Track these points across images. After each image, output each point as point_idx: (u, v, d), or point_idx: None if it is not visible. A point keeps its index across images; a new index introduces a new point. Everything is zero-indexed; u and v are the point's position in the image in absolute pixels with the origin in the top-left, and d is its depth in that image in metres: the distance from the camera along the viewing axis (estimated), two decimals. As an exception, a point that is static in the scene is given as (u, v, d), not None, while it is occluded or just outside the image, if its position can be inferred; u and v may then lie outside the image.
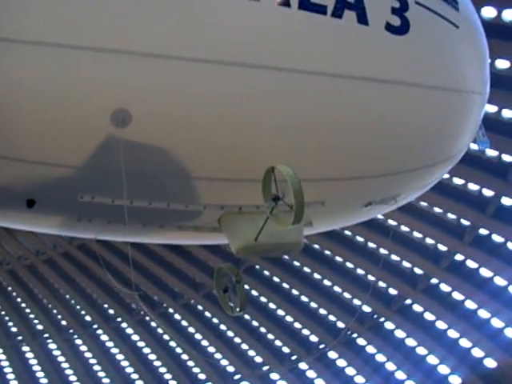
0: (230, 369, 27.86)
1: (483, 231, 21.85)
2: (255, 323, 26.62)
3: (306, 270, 25.06)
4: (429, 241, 22.70)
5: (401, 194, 7.29)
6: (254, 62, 5.63)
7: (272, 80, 5.73)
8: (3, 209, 6.19)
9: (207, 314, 27.17)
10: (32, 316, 30.35)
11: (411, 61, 6.49)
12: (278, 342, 26.71)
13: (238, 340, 27.19)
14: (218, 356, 27.98)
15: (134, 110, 5.38)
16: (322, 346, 26.00)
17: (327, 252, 24.17)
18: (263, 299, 26.21)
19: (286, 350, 26.71)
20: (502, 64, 18.31)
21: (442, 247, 22.60)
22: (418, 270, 23.36)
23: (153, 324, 28.68)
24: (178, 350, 28.52)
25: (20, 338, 30.50)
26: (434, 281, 23.26)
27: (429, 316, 23.88)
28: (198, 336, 28.15)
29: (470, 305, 23.21)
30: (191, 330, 28.19)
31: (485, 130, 7.93)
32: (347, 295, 24.86)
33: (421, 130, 6.74)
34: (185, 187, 6.13)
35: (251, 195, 5.85)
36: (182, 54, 5.41)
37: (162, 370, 28.93)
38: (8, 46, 5.10)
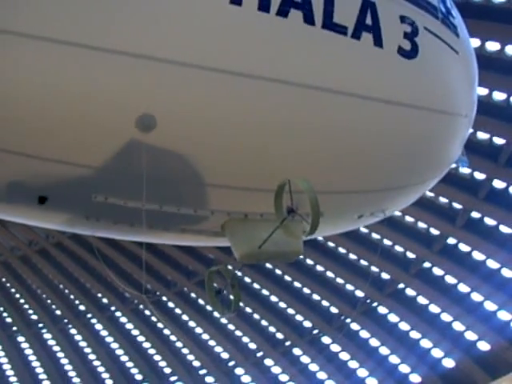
0: (224, 355, 27.92)
1: (475, 214, 21.88)
2: (248, 309, 26.65)
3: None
4: (421, 225, 22.73)
5: (390, 208, 7.60)
6: (274, 76, 5.82)
7: (289, 95, 5.93)
8: (13, 203, 6.19)
9: (200, 301, 27.17)
10: (26, 306, 30.35)
11: (417, 84, 6.78)
12: (271, 329, 26.77)
13: (231, 327, 27.23)
14: (211, 343, 28.03)
15: (160, 116, 5.48)
16: (315, 332, 26.09)
17: (319, 238, 24.18)
18: (256, 286, 26.23)
19: (279, 335, 26.77)
20: (492, 46, 18.28)
21: (434, 231, 22.63)
22: (410, 254, 23.39)
23: (146, 312, 28.70)
24: (173, 338, 28.56)
25: (15, 328, 30.49)
26: (427, 265, 23.30)
27: (422, 300, 23.94)
28: (191, 323, 28.18)
29: (462, 288, 23.27)
30: (185, 317, 28.22)
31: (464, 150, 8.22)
32: (340, 280, 24.90)
33: (417, 151, 7.05)
34: (197, 193, 6.31)
35: (258, 203, 6.32)
36: (209, 64, 5.56)
37: (157, 357, 28.98)
38: (36, 44, 5.12)
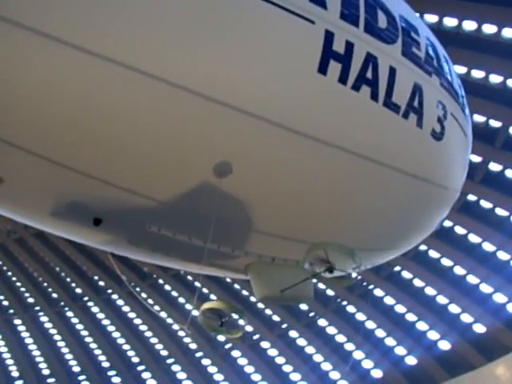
0: (221, 338, 27.99)
1: (471, 197, 21.88)
2: (245, 292, 26.70)
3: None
4: (417, 207, 22.69)
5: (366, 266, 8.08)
6: (341, 144, 6.33)
7: (351, 164, 6.50)
8: (67, 220, 6.40)
9: (197, 284, 27.20)
10: (23, 289, 30.33)
11: (439, 164, 7.55)
12: (268, 311, 26.83)
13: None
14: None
15: (237, 164, 5.89)
16: (311, 314, 26.17)
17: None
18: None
19: (276, 318, 26.83)
20: (489, 29, 18.21)
21: (430, 214, 22.60)
22: (406, 237, 23.36)
23: (143, 295, 28.72)
24: (169, 321, 28.61)
25: (11, 311, 30.52)
26: (423, 247, 23.30)
27: (418, 282, 24.00)
28: (188, 306, 28.22)
29: (458, 271, 23.34)
30: (181, 300, 28.27)
31: None
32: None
33: (418, 220, 7.94)
34: (241, 236, 6.77)
35: (288, 250, 6.94)
36: (290, 125, 5.96)
37: (153, 340, 29.04)
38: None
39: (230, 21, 5.65)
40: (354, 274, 6.98)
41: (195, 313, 7.13)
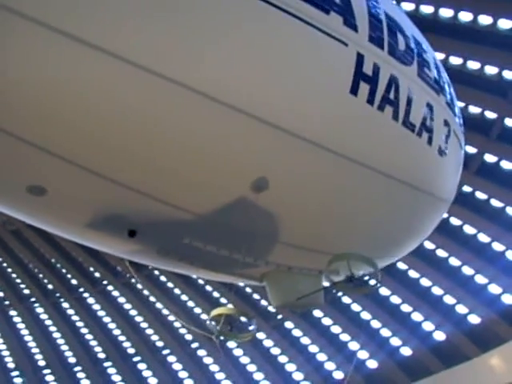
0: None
1: (467, 188, 21.90)
2: (240, 283, 26.70)
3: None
4: (413, 198, 22.70)
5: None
6: (367, 162, 6.67)
7: (376, 181, 6.84)
8: (101, 232, 6.55)
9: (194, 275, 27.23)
10: (18, 281, 30.33)
11: (440, 178, 8.00)
12: (263, 302, 26.85)
13: (223, 301, 27.32)
14: (204, 317, 28.13)
15: (273, 180, 6.09)
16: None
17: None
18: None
19: (271, 309, 26.86)
20: (485, 20, 18.19)
21: (425, 205, 22.61)
22: (401, 228, 23.38)
23: (139, 286, 28.75)
24: (165, 312, 28.65)
25: (7, 302, 30.51)
26: (418, 238, 23.34)
27: (413, 273, 24.02)
28: (184, 297, 28.27)
29: (453, 262, 23.36)
30: (177, 291, 28.30)
31: None
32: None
33: (417, 231, 8.46)
34: (267, 247, 7.03)
35: (307, 260, 7.29)
36: (324, 143, 6.22)
37: (149, 331, 29.08)
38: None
39: (273, 43, 5.80)
40: (372, 282, 7.36)
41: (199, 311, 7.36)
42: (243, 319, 7.15)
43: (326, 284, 7.72)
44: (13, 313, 30.57)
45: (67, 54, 4.97)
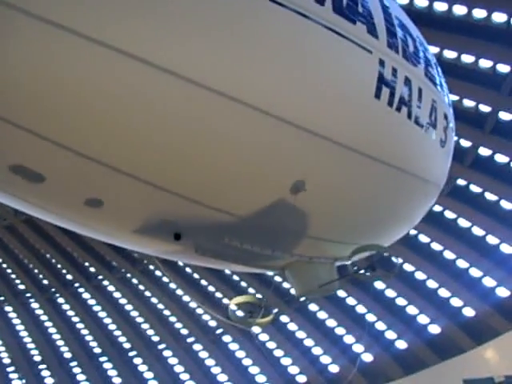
0: (212, 323, 28.07)
1: (461, 182, 21.98)
2: (236, 277, 26.77)
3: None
4: (407, 192, 22.71)
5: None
6: (390, 161, 7.09)
7: (389, 175, 7.25)
8: (148, 237, 6.78)
9: (188, 269, 27.25)
10: (13, 276, 30.29)
11: (441, 167, 8.57)
12: (258, 296, 26.83)
13: (219, 295, 27.35)
14: (199, 311, 28.17)
15: (309, 183, 6.43)
16: (302, 299, 26.25)
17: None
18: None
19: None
20: (479, 13, 18.22)
21: (420, 198, 22.63)
22: (396, 222, 23.40)
23: (134, 281, 28.75)
24: (160, 306, 28.66)
25: (2, 298, 30.49)
26: (413, 231, 23.39)
27: (408, 267, 24.06)
28: (179, 292, 28.28)
29: (448, 255, 23.43)
30: (172, 285, 28.31)
31: None
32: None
33: (414, 217, 8.95)
34: (295, 241, 7.43)
35: (329, 251, 7.79)
36: (353, 145, 6.59)
37: (145, 326, 29.08)
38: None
39: (312, 55, 6.12)
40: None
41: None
42: (262, 305, 7.90)
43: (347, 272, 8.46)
44: (8, 308, 30.54)
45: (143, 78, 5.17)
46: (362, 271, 8.03)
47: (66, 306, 30.04)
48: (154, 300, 28.66)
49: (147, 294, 28.67)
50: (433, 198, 8.92)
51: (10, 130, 5.08)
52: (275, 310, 7.95)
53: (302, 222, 7.03)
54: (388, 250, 7.99)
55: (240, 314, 8.13)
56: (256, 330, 27.21)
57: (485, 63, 19.33)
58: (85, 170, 5.58)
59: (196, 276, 27.50)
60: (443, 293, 23.86)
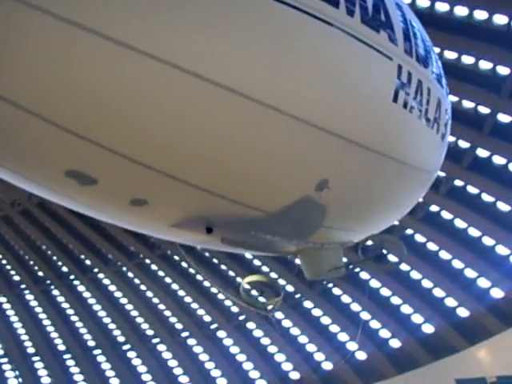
0: (207, 318, 28.10)
1: (458, 182, 22.04)
2: (231, 273, 26.79)
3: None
4: (404, 192, 22.76)
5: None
6: (404, 159, 7.57)
7: (404, 172, 7.72)
8: (183, 230, 7.08)
9: (184, 264, 27.27)
10: (8, 267, 30.27)
11: (439, 158, 8.91)
12: (253, 292, 26.87)
13: (214, 290, 27.39)
14: (194, 306, 28.20)
15: (333, 181, 6.80)
16: (297, 296, 26.30)
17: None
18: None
19: (261, 299, 26.86)
20: (480, 15, 18.25)
21: (417, 198, 22.68)
22: (393, 221, 23.45)
23: (130, 274, 28.76)
24: (155, 300, 28.67)
25: (-4, 289, 30.51)
26: (409, 231, 23.47)
27: (403, 266, 24.10)
28: (174, 286, 28.32)
29: (444, 255, 23.51)
30: (168, 280, 28.34)
31: None
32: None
33: (410, 205, 9.18)
34: (311, 231, 7.89)
35: (339, 238, 8.24)
36: (375, 147, 6.97)
37: (140, 320, 29.11)
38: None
39: (338, 63, 6.38)
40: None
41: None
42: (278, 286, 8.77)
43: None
44: (2, 299, 30.53)
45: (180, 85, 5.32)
46: (370, 258, 8.81)
47: (60, 299, 30.04)
48: (149, 294, 28.67)
49: (142, 287, 28.69)
50: (428, 186, 9.35)
51: (71, 139, 5.33)
52: (282, 292, 8.78)
53: (321, 215, 7.50)
54: (403, 246, 8.67)
55: (253, 293, 8.73)
56: (251, 326, 27.33)
57: (485, 65, 19.38)
58: (137, 175, 5.89)
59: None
60: (438, 293, 23.94)
